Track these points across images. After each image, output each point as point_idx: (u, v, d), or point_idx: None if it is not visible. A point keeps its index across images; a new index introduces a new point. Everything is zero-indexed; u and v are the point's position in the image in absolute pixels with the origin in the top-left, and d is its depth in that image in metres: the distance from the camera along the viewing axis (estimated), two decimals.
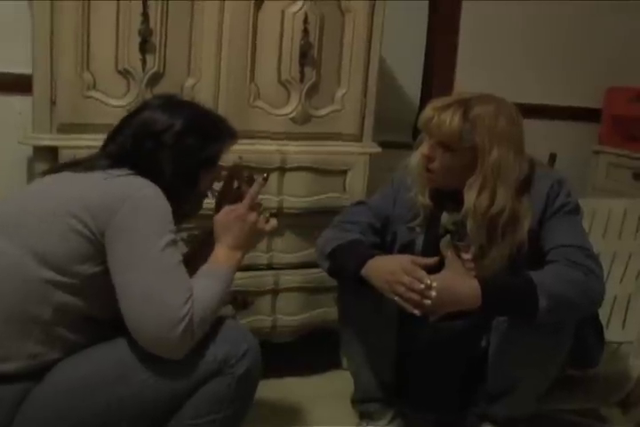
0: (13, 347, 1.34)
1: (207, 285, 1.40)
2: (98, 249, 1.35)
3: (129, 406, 1.35)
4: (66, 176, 1.46)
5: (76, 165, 1.49)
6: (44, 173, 1.56)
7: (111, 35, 1.93)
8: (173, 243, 1.38)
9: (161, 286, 1.32)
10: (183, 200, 1.50)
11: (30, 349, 1.34)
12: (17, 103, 2.23)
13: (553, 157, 2.84)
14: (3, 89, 2.31)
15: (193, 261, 1.49)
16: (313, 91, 2.14)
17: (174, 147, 1.48)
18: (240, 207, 1.53)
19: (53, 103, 1.93)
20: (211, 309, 1.37)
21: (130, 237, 1.34)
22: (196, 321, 1.32)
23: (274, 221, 1.58)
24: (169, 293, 1.32)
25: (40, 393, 1.34)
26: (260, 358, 1.44)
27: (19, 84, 2.16)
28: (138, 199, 1.37)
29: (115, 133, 1.54)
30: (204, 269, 1.45)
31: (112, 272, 1.35)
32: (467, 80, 2.89)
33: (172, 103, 1.56)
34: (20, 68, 2.09)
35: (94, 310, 1.39)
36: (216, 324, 1.40)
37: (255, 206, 1.55)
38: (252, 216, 1.53)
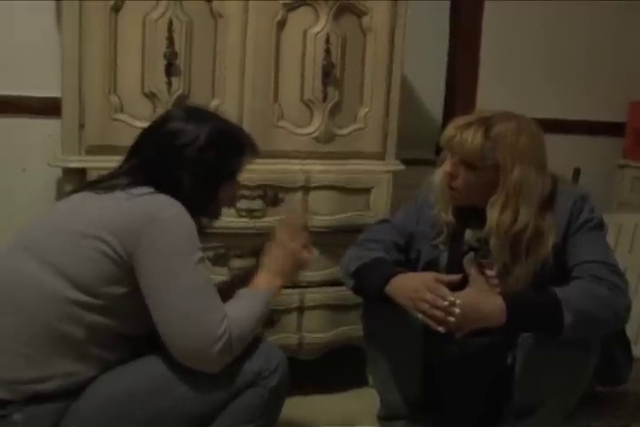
0: (50, 367, 1.36)
1: (246, 304, 1.43)
2: (126, 271, 1.37)
3: (168, 418, 1.39)
4: (90, 197, 1.47)
5: (98, 184, 1.51)
6: (70, 193, 1.59)
7: (137, 58, 1.97)
8: (202, 260, 1.40)
9: (197, 305, 1.35)
10: (202, 212, 1.52)
11: (67, 367, 1.36)
12: (46, 126, 2.27)
13: (577, 173, 2.82)
14: (33, 112, 2.37)
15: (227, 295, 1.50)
16: (336, 110, 2.16)
17: (195, 162, 1.48)
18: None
19: (82, 126, 1.97)
20: (249, 328, 1.40)
21: (160, 258, 1.36)
22: (233, 339, 1.35)
23: (315, 252, 1.63)
24: (205, 311, 1.35)
25: (79, 410, 1.37)
26: (289, 372, 1.49)
27: (48, 108, 2.22)
28: (163, 220, 1.38)
29: (137, 146, 1.55)
30: (244, 290, 1.48)
31: (145, 293, 1.37)
32: (488, 96, 2.90)
33: (195, 115, 1.55)
34: (50, 91, 2.15)
35: (126, 329, 1.41)
36: (254, 342, 1.45)
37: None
38: (293, 244, 1.57)
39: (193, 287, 1.36)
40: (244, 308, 1.42)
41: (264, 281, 1.52)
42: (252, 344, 1.44)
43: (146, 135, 1.56)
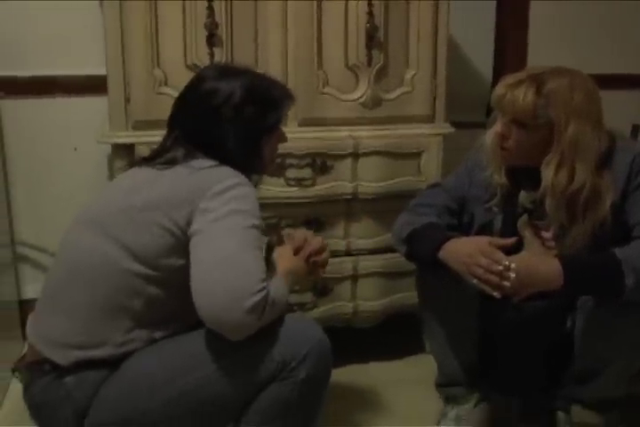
0: (106, 334, 1.38)
1: (277, 281, 1.39)
2: (184, 243, 1.36)
3: (187, 403, 1.35)
4: (151, 173, 1.46)
5: (154, 159, 1.50)
6: (126, 168, 1.59)
7: (179, 31, 1.96)
8: (258, 228, 1.37)
9: (243, 256, 1.31)
10: (250, 169, 1.50)
11: (119, 338, 1.39)
12: (95, 104, 2.28)
13: (636, 129, 2.72)
14: (81, 91, 2.39)
15: None
16: (382, 74, 2.12)
17: (234, 119, 1.47)
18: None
19: (128, 101, 1.98)
20: (283, 297, 1.36)
21: (213, 216, 1.34)
22: (269, 300, 1.29)
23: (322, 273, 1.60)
24: (251, 264, 1.30)
25: (116, 381, 1.38)
26: (327, 362, 1.39)
27: (96, 86, 2.22)
28: (224, 187, 1.37)
29: (176, 112, 1.54)
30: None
31: (192, 249, 1.34)
32: (540, 53, 2.80)
33: (226, 72, 1.53)
34: (97, 69, 2.14)
35: (180, 304, 1.39)
36: (280, 325, 1.37)
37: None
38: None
39: (242, 242, 1.32)
40: (280, 281, 1.39)
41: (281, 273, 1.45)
42: (282, 330, 1.36)
43: (181, 100, 1.55)
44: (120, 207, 1.42)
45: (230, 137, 1.47)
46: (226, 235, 1.32)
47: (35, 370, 1.41)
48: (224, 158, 1.45)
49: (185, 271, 1.35)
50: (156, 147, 1.56)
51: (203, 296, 1.28)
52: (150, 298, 1.39)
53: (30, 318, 1.50)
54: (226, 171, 1.42)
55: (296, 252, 1.53)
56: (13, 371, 1.49)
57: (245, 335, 1.30)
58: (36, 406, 1.44)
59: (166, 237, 1.37)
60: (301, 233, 1.59)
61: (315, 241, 1.56)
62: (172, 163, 1.45)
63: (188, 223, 1.35)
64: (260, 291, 1.27)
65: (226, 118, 1.46)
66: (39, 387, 1.40)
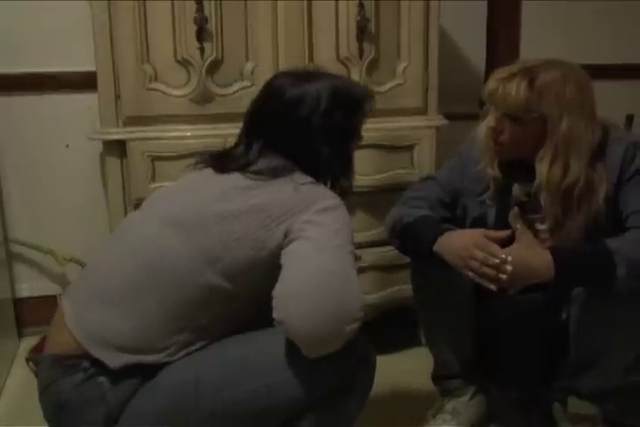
0: (165, 343, 1.31)
1: None
2: (274, 257, 1.30)
3: (234, 415, 1.29)
4: (240, 181, 1.38)
5: (235, 163, 1.43)
6: (198, 165, 1.50)
7: (168, 25, 1.95)
8: (352, 253, 1.31)
9: (353, 275, 1.26)
10: (342, 174, 1.48)
11: (176, 349, 1.32)
12: (86, 101, 2.28)
13: (630, 119, 2.71)
14: (72, 88, 2.37)
15: None
16: (373, 66, 2.11)
17: (326, 127, 1.42)
18: None
19: (118, 97, 1.97)
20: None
21: (324, 228, 1.29)
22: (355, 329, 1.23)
23: None
24: (357, 286, 1.25)
25: (155, 388, 1.32)
26: (370, 389, 1.39)
27: (87, 82, 2.20)
28: (324, 205, 1.33)
29: (258, 123, 1.47)
30: None
31: (291, 252, 1.27)
32: (533, 44, 2.79)
33: (304, 78, 1.47)
34: (88, 66, 2.12)
35: (246, 320, 1.35)
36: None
37: None
38: None
39: (349, 263, 1.27)
40: None
41: None
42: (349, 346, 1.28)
43: (262, 111, 1.47)
44: (210, 213, 1.34)
45: (324, 146, 1.42)
46: (335, 250, 1.26)
47: (68, 365, 1.32)
48: (319, 169, 1.41)
49: (259, 286, 1.30)
50: (228, 148, 1.50)
51: (302, 305, 1.20)
52: (218, 314, 1.34)
53: (74, 310, 1.37)
54: (327, 190, 1.40)
55: None
56: (27, 360, 1.42)
57: (326, 353, 1.24)
58: (62, 405, 1.32)
59: (259, 251, 1.31)
60: None
61: None
62: (268, 174, 1.38)
63: (286, 236, 1.30)
64: (359, 318, 1.23)
65: (317, 127, 1.41)
66: (70, 384, 1.30)
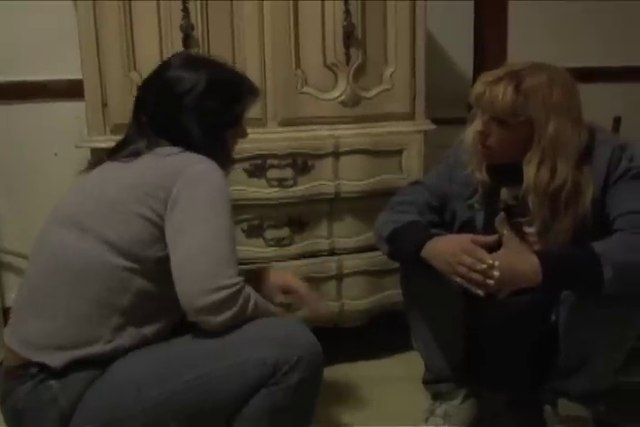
0: (97, 332, 1.37)
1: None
2: (162, 231, 1.38)
3: (179, 405, 1.33)
4: (118, 166, 1.47)
5: (119, 152, 1.51)
6: (93, 165, 1.57)
7: (154, 33, 1.95)
8: (229, 211, 1.40)
9: (223, 245, 1.35)
10: (217, 162, 1.49)
11: (109, 334, 1.37)
12: (74, 109, 2.27)
13: (617, 121, 2.72)
14: (60, 96, 2.37)
15: None
16: (360, 72, 2.12)
17: (197, 109, 1.48)
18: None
19: (105, 105, 1.97)
20: (262, 306, 1.39)
21: (187, 205, 1.36)
22: (244, 295, 1.33)
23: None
24: (230, 254, 1.34)
25: (102, 384, 1.36)
26: (318, 366, 1.38)
27: (74, 90, 2.19)
28: (192, 173, 1.39)
29: (139, 99, 1.55)
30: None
31: (168, 239, 1.36)
32: (520, 48, 2.80)
33: (193, 62, 1.55)
34: (75, 74, 2.11)
35: (170, 297, 1.37)
36: (272, 329, 1.37)
37: None
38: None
39: (222, 231, 1.36)
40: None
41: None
42: (275, 333, 1.36)
43: (145, 87, 1.56)
44: (94, 202, 1.42)
45: (194, 126, 1.48)
46: (203, 225, 1.35)
47: (17, 375, 1.38)
48: (189, 147, 1.45)
49: (168, 262, 1.35)
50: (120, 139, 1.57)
51: (180, 283, 1.33)
52: (137, 292, 1.39)
53: (8, 326, 1.47)
54: (193, 155, 1.44)
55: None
56: None
57: (225, 325, 1.32)
58: (19, 412, 1.39)
59: (147, 227, 1.38)
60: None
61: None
62: (136, 154, 1.46)
63: (164, 211, 1.37)
64: (234, 285, 1.31)
65: (189, 107, 1.48)
66: (23, 392, 1.36)
